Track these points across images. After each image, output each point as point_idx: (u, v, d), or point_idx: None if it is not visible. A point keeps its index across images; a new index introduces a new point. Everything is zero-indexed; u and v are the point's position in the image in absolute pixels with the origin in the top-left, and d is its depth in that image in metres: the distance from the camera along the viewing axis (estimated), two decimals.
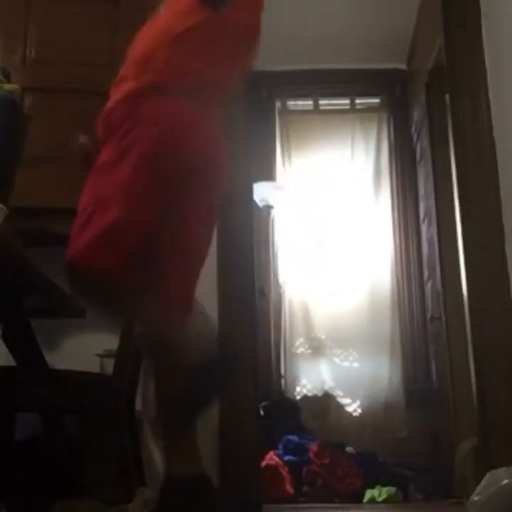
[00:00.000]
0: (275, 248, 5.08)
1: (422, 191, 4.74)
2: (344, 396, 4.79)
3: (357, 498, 3.80)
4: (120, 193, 1.72)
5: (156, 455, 1.79)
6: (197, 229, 1.88)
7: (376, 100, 5.41)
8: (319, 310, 4.99)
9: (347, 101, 5.40)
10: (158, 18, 1.95)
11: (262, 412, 4.02)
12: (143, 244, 1.74)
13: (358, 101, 5.40)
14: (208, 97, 1.86)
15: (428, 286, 4.56)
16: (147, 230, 1.75)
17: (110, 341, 2.43)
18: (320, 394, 4.79)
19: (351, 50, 4.92)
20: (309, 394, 4.80)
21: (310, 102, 5.42)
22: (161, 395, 1.75)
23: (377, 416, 4.69)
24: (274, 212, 5.06)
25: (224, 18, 1.86)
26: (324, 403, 4.74)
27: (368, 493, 3.80)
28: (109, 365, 2.30)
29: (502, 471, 2.06)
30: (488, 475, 2.10)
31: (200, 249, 1.91)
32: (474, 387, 2.82)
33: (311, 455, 3.91)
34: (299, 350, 4.95)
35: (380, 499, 3.75)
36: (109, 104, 1.85)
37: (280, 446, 3.99)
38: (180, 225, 1.82)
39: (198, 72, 1.84)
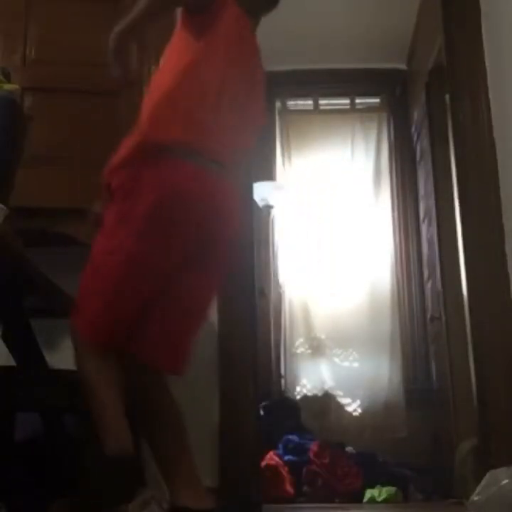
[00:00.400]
0: (275, 248, 5.07)
1: (422, 191, 4.73)
2: (344, 396, 4.79)
3: (357, 498, 3.80)
4: (115, 266, 1.72)
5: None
6: (204, 291, 1.88)
7: (376, 100, 5.41)
8: (319, 310, 4.99)
9: (347, 101, 5.41)
10: (158, 72, 1.93)
11: (262, 412, 4.02)
12: (140, 311, 1.75)
13: (358, 101, 5.40)
14: (215, 154, 1.80)
15: (428, 286, 4.56)
16: (144, 299, 1.75)
17: None
18: (320, 394, 4.79)
19: (351, 50, 4.92)
20: (309, 394, 4.80)
21: (310, 102, 5.42)
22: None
23: (377, 416, 4.69)
24: (274, 212, 5.06)
25: (210, 39, 1.81)
26: (324, 403, 4.74)
27: (368, 493, 3.80)
28: None
29: (502, 471, 2.06)
30: (488, 475, 2.10)
31: (204, 307, 1.93)
32: (474, 387, 2.82)
33: (311, 455, 3.91)
34: (299, 350, 4.95)
35: (380, 499, 3.75)
36: (113, 161, 1.80)
37: (280, 446, 3.99)
38: (186, 288, 1.81)
39: (202, 126, 1.79)
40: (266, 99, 2.04)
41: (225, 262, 1.93)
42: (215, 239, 1.83)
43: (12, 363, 2.15)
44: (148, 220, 1.71)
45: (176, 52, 1.87)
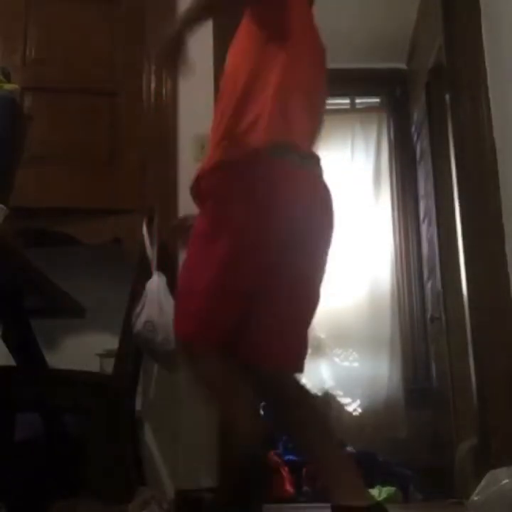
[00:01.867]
0: None
1: (422, 191, 4.73)
2: (344, 395, 4.79)
3: None
4: (217, 274, 1.68)
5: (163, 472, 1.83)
6: (305, 278, 1.93)
7: (376, 100, 5.41)
8: (319, 309, 4.97)
9: (347, 101, 5.40)
10: (231, 73, 1.85)
11: (262, 412, 4.01)
12: (242, 311, 1.73)
13: (358, 101, 5.39)
14: (307, 149, 1.79)
15: (428, 286, 4.56)
16: (243, 297, 1.72)
17: (110, 341, 2.44)
18: (320, 393, 4.78)
19: (351, 50, 4.91)
20: None
21: None
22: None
23: (377, 415, 4.69)
24: None
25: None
26: (324, 403, 4.74)
27: None
28: (109, 365, 2.30)
29: (502, 471, 2.06)
30: (488, 475, 2.10)
31: (311, 300, 1.98)
32: (474, 387, 2.82)
33: None
34: None
35: (380, 499, 3.74)
36: (202, 167, 1.77)
37: (280, 445, 3.99)
38: (286, 278, 1.81)
39: (294, 123, 1.78)
40: None
41: (327, 248, 1.93)
42: (317, 229, 1.81)
43: (12, 363, 2.16)
44: (246, 232, 1.67)
45: (250, 53, 1.81)
